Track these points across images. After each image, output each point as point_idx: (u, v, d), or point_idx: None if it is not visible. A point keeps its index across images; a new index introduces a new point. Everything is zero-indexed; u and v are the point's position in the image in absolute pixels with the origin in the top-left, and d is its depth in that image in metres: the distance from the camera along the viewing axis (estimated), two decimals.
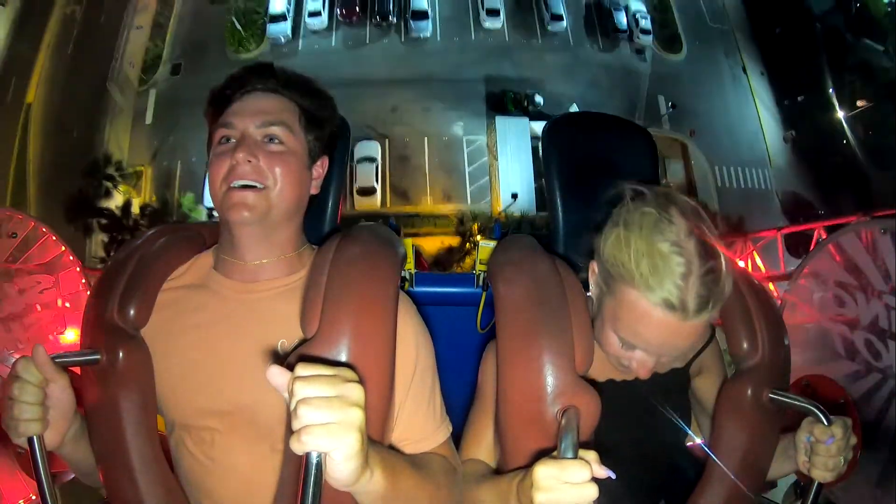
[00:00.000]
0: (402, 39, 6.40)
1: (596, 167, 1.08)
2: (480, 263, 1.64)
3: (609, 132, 1.26)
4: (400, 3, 6.19)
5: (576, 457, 0.80)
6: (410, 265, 1.62)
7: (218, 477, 0.96)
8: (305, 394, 0.62)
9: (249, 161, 0.94)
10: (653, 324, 0.84)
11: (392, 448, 0.93)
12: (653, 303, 0.82)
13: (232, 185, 0.94)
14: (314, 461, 0.62)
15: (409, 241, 1.61)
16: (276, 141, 0.97)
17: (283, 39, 8.77)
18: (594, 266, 0.95)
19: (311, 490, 0.61)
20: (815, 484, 0.93)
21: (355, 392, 0.64)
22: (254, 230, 0.96)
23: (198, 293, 1.00)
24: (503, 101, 6.02)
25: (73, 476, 1.08)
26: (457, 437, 1.05)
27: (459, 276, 1.70)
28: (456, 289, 1.70)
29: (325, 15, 6.47)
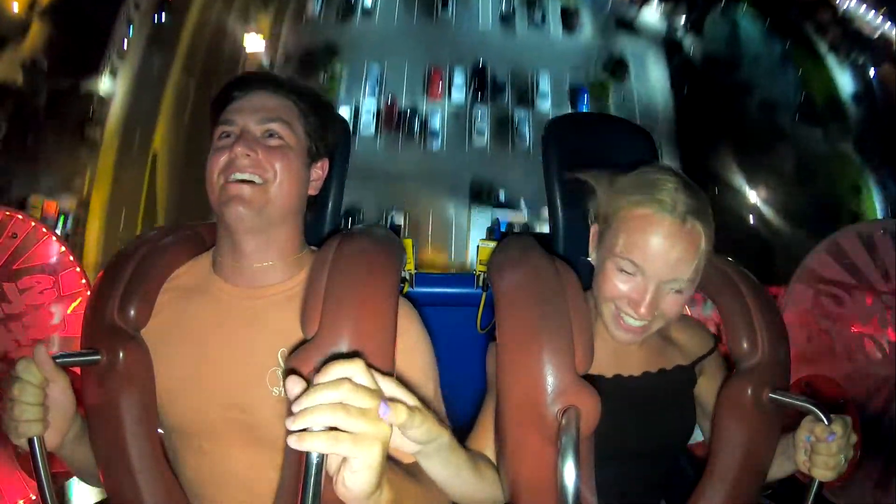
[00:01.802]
0: (422, 150, 9.82)
1: (596, 167, 1.08)
2: (480, 264, 1.64)
3: (609, 132, 1.26)
4: (421, 123, 9.86)
5: (577, 458, 0.80)
6: (410, 266, 1.62)
7: (216, 485, 0.95)
8: (349, 400, 0.58)
9: (248, 155, 0.93)
10: (650, 228, 0.91)
11: (390, 458, 0.91)
12: (649, 207, 0.92)
13: (229, 178, 0.93)
14: (314, 461, 0.61)
15: (408, 242, 1.61)
16: (276, 136, 0.97)
17: None
18: (594, 228, 1.03)
19: (310, 491, 0.61)
20: (816, 483, 0.93)
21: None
22: (251, 226, 0.95)
23: (197, 298, 0.99)
24: (479, 194, 9.56)
25: (72, 477, 1.08)
26: (457, 438, 1.05)
27: (459, 277, 1.71)
28: (456, 289, 1.70)
29: (372, 126, 9.86)
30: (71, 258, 1.78)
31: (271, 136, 0.97)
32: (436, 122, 9.97)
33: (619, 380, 1.03)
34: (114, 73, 9.04)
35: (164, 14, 9.52)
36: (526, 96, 9.95)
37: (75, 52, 8.37)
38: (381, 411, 0.60)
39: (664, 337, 1.10)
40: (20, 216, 1.76)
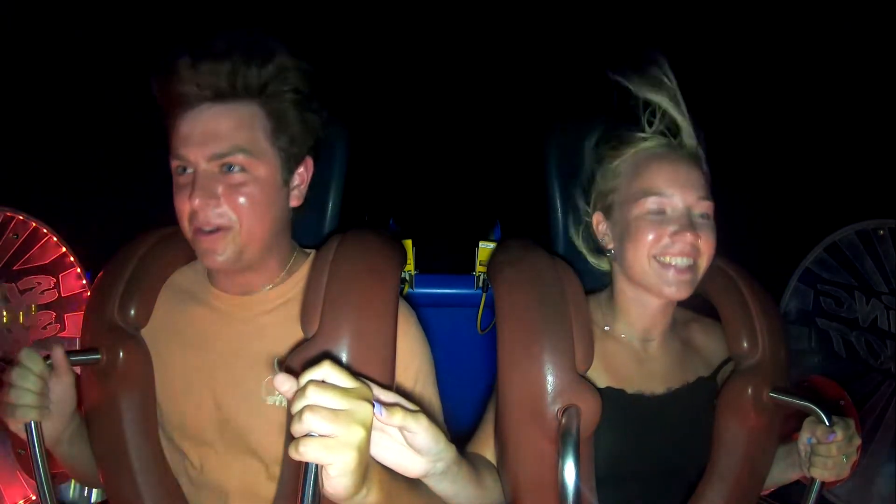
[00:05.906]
0: None
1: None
2: (480, 265, 1.64)
3: None
4: None
5: (577, 457, 0.80)
6: (410, 266, 1.62)
7: (212, 490, 0.95)
8: (315, 401, 0.56)
9: (208, 204, 0.87)
10: (660, 159, 0.97)
11: None
12: (649, 144, 0.99)
13: (197, 230, 0.89)
14: (312, 465, 0.61)
15: (408, 243, 1.61)
16: (236, 169, 0.87)
17: None
18: (597, 217, 1.05)
19: (309, 492, 0.61)
20: (816, 483, 0.93)
21: (364, 410, 0.58)
22: (232, 268, 0.93)
23: (193, 302, 0.99)
24: None
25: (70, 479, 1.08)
26: (457, 439, 1.05)
27: (459, 278, 1.71)
28: (456, 290, 1.70)
29: None
30: (71, 259, 1.78)
31: (230, 168, 0.87)
32: None
33: (641, 399, 1.00)
34: None
35: None
36: None
37: None
38: (376, 410, 0.59)
39: (686, 343, 1.10)
40: (21, 217, 1.76)
